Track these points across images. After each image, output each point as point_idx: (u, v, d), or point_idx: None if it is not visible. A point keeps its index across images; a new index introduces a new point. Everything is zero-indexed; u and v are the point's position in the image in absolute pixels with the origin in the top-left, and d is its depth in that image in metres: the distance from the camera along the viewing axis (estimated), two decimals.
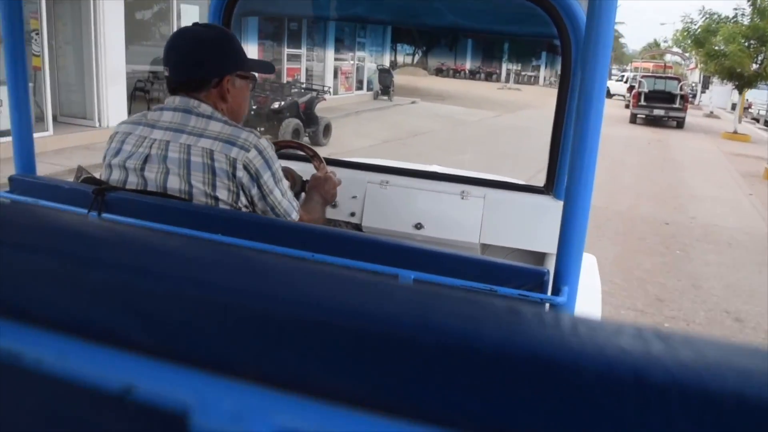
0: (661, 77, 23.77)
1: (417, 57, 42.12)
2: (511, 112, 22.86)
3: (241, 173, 1.51)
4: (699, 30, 19.85)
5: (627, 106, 29.44)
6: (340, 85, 18.63)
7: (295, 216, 1.64)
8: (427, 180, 2.50)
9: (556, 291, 1.23)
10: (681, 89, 21.85)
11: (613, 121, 22.18)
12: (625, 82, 34.89)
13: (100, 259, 0.40)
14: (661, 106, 21.18)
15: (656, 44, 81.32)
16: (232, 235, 1.32)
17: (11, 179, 1.63)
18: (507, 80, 42.01)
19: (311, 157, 2.15)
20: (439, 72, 41.99)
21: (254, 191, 1.55)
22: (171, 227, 1.32)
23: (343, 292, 0.37)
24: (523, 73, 44.70)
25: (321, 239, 1.39)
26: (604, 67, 1.12)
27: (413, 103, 22.20)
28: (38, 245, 0.41)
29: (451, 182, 2.46)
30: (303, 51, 16.26)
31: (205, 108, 1.57)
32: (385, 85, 21.34)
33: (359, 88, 20.77)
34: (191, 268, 0.39)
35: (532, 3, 2.02)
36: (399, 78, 32.76)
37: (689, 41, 21.14)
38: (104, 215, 1.45)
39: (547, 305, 1.21)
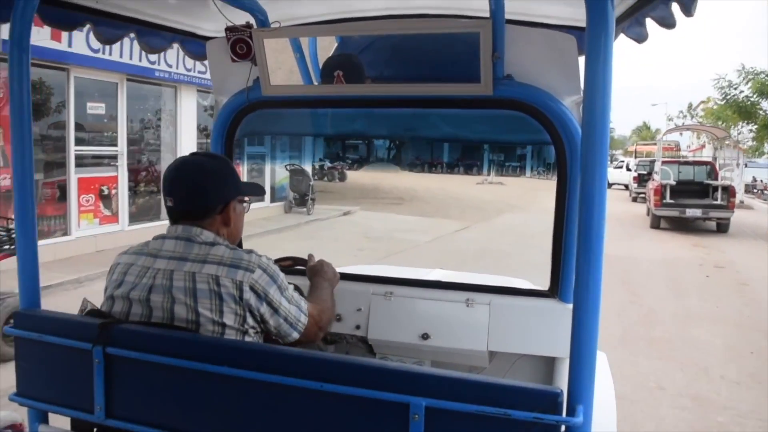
0: (687, 162, 17.56)
1: (392, 152, 38.06)
2: (486, 220, 16.60)
3: (248, 295, 1.57)
4: (746, 94, 13.73)
5: (635, 200, 23.93)
6: None
7: (304, 320, 1.70)
8: (431, 289, 2.47)
9: (571, 410, 1.24)
10: (720, 177, 15.62)
11: (627, 225, 15.79)
12: (628, 169, 28.91)
13: None
14: (696, 204, 14.87)
15: (646, 127, 77.76)
16: (239, 367, 1.39)
17: (16, 315, 1.66)
18: (489, 172, 36.39)
19: (300, 262, 2.31)
20: (413, 167, 36.82)
21: (263, 309, 1.61)
22: (178, 361, 1.42)
23: None
24: (507, 164, 39.31)
25: (330, 367, 1.40)
26: (603, 169, 1.21)
27: (346, 214, 15.91)
28: None
29: (456, 290, 2.43)
30: (123, 151, 9.94)
31: (207, 235, 1.64)
32: (300, 193, 15.06)
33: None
34: None
35: (526, 114, 2.08)
36: (361, 176, 27.32)
37: (730, 111, 15.02)
38: (109, 349, 1.49)
39: (563, 427, 1.23)
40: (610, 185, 29.64)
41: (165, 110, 11.30)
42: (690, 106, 27.68)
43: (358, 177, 26.36)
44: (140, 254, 1.64)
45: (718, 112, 18.10)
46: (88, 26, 2.25)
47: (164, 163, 11.38)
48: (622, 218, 17.28)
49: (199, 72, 10.98)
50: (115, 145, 9.84)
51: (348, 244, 11.45)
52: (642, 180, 23.22)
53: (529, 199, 22.03)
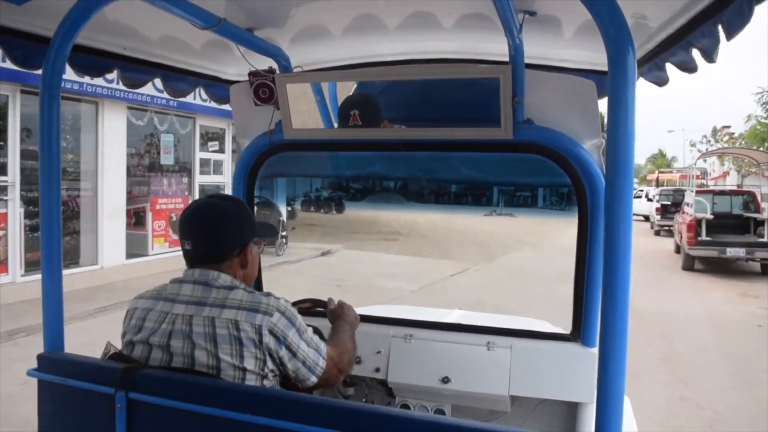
0: (722, 192, 15.21)
1: (399, 182, 36.23)
2: (489, 260, 14.42)
3: (267, 338, 1.57)
4: None
5: (658, 233, 21.59)
6: (153, 238, 10.14)
7: (323, 363, 1.68)
8: (452, 332, 2.47)
9: None
10: (763, 210, 13.29)
11: (654, 265, 13.44)
12: (649, 199, 26.50)
13: None
14: (738, 242, 12.49)
15: (662, 154, 75.46)
16: (262, 414, 1.38)
17: (39, 357, 1.64)
18: (497, 204, 34.22)
19: (320, 304, 2.30)
20: (419, 197, 34.87)
21: (282, 352, 1.60)
22: (200, 407, 1.42)
23: None
24: (518, 194, 37.10)
25: (352, 416, 1.39)
26: (628, 215, 1.19)
27: (324, 254, 13.83)
28: None
29: (476, 333, 2.42)
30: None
31: (225, 278, 1.64)
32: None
33: None
34: None
35: (546, 158, 2.09)
36: (360, 207, 25.36)
37: None
38: (132, 394, 1.48)
39: None
40: None
41: (83, 131, 9.22)
42: (714, 130, 25.40)
43: (356, 207, 24.52)
44: (158, 299, 1.65)
45: (762, 132, 15.76)
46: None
47: (84, 194, 9.28)
48: (646, 256, 14.94)
49: None
50: (5, 173, 7.74)
51: (310, 295, 9.23)
52: (666, 211, 20.99)
53: (539, 234, 19.79)
